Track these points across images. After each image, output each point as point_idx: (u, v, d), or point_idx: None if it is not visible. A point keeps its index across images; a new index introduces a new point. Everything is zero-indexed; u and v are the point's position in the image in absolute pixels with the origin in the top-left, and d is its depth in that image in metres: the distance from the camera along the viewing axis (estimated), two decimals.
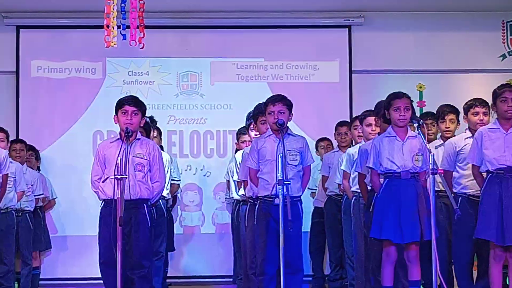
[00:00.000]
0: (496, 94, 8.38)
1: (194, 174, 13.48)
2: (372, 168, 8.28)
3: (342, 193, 10.54)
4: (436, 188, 8.06)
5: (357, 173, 8.93)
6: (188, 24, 13.68)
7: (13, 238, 10.58)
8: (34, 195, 11.69)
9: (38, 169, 12.46)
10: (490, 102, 8.61)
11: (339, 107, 13.39)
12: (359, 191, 9.07)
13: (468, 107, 9.09)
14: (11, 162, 10.43)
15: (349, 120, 11.65)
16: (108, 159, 8.21)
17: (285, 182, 7.59)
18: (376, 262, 8.44)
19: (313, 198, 12.07)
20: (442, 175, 8.10)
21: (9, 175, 10.06)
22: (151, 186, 8.40)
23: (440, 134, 9.74)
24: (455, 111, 9.54)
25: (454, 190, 8.85)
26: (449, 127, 9.52)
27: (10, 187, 10.38)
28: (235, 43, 13.73)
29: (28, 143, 12.13)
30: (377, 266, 8.40)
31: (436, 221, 7.68)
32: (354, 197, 9.46)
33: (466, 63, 13.67)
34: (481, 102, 8.98)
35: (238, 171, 10.02)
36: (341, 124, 11.52)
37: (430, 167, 7.70)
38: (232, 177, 10.77)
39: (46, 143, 13.23)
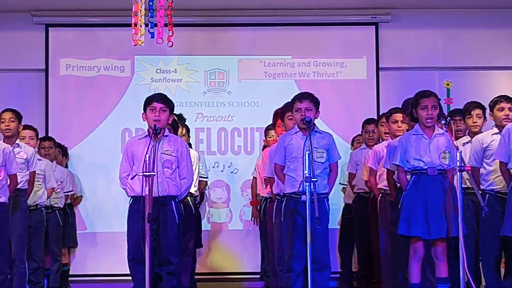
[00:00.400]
0: None
1: (221, 171, 13.49)
2: (399, 166, 8.27)
3: (369, 191, 10.53)
4: (463, 185, 8.03)
5: (384, 170, 8.91)
6: (216, 22, 13.71)
7: (42, 234, 10.60)
8: (64, 192, 11.73)
9: (66, 166, 12.50)
10: None
11: (366, 104, 13.36)
12: (386, 188, 9.04)
13: (493, 103, 9.08)
14: (40, 159, 10.46)
15: (376, 118, 11.63)
16: (137, 156, 8.22)
17: (312, 179, 7.57)
18: (403, 259, 8.42)
19: (344, 193, 12.04)
20: (470, 172, 8.09)
21: (38, 172, 10.10)
22: (179, 183, 8.40)
23: (467, 131, 9.70)
24: (481, 107, 9.51)
25: (481, 187, 8.83)
26: (476, 122, 9.49)
27: (40, 184, 10.41)
28: (262, 41, 13.73)
29: (57, 140, 12.17)
30: (404, 263, 8.38)
31: (463, 218, 7.65)
32: (380, 194, 9.44)
33: (493, 60, 13.63)
34: (506, 98, 8.97)
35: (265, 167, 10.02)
36: (368, 121, 11.46)
37: (458, 164, 7.67)
38: (259, 174, 10.76)
39: (75, 140, 13.27)
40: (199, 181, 11.36)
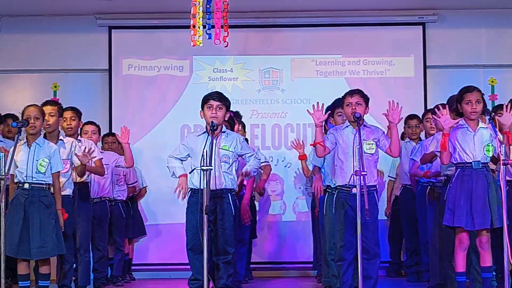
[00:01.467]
0: None
1: (275, 165, 13.47)
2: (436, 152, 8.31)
3: (418, 183, 10.50)
4: (508, 178, 8.00)
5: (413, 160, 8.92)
6: (269, 23, 13.70)
7: (106, 226, 10.68)
8: (128, 184, 11.80)
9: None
10: None
11: (414, 101, 13.30)
12: (434, 180, 9.00)
13: None
14: (102, 152, 10.53)
15: (422, 114, 11.60)
16: (195, 151, 8.26)
17: (362, 173, 7.57)
18: (449, 249, 8.39)
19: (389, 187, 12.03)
20: None
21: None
22: (235, 177, 8.44)
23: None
24: None
25: None
26: None
27: (107, 175, 10.47)
28: (314, 41, 13.71)
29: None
30: (450, 252, 8.35)
31: (507, 209, 7.62)
32: (429, 187, 9.40)
33: None
34: None
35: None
36: (411, 117, 11.46)
37: (502, 158, 7.63)
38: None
39: (137, 136, 13.30)
40: (265, 165, 11.37)
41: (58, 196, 8.22)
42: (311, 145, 9.15)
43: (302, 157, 11.00)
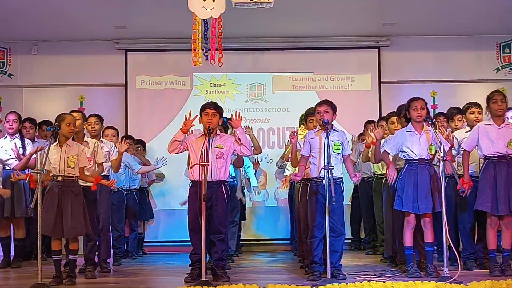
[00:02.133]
0: (488, 97, 8.40)
1: (260, 161, 13.50)
2: (386, 151, 8.43)
3: (372, 175, 10.56)
4: (448, 171, 8.07)
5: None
6: (255, 47, 13.77)
7: (123, 210, 10.69)
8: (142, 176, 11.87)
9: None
10: (484, 104, 8.59)
11: (371, 110, 13.36)
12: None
13: (466, 108, 9.14)
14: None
15: (377, 120, 11.65)
16: (195, 149, 8.27)
17: (330, 167, 7.62)
18: (399, 228, 8.44)
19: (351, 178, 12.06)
20: (450, 161, 8.13)
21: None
22: (228, 170, 8.47)
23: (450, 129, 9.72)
24: (460, 111, 9.49)
25: (459, 172, 8.82)
26: (457, 125, 9.48)
27: (122, 172, 10.50)
28: (290, 61, 13.76)
29: (135, 138, 12.32)
30: (400, 231, 8.40)
31: (446, 197, 7.68)
32: (385, 179, 9.46)
33: (469, 75, 13.66)
34: (476, 104, 9.01)
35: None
36: (368, 122, 11.57)
37: (441, 155, 7.72)
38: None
39: (148, 138, 13.36)
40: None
41: (85, 177, 8.26)
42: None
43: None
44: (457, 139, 9.01)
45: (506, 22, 13.03)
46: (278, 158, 12.64)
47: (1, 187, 9.69)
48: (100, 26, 12.88)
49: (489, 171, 8.13)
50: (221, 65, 9.60)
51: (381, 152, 8.59)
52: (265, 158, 13.58)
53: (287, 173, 10.22)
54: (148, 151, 13.22)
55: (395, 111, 9.12)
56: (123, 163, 10.46)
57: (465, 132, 8.91)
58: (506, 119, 8.67)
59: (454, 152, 8.97)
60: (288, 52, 13.82)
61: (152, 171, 11.88)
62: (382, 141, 9.42)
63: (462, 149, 8.63)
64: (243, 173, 11.46)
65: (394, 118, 9.17)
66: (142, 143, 12.70)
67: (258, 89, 13.75)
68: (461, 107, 9.43)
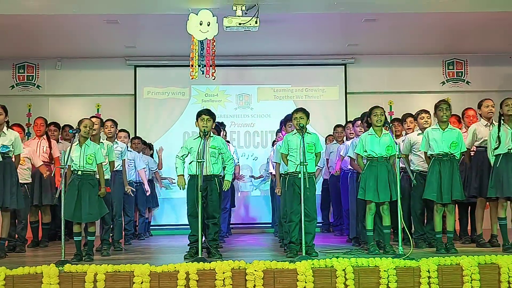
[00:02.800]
0: (435, 106, 8.42)
1: (247, 159, 13.54)
2: (359, 154, 8.35)
3: (340, 170, 10.56)
4: (402, 165, 8.10)
5: (350, 157, 8.97)
6: (242, 64, 13.76)
7: (133, 199, 10.62)
8: (152, 169, 11.83)
9: (152, 155, 12.61)
10: (433, 111, 8.62)
11: (339, 115, 13.38)
12: (353, 169, 9.07)
13: (417, 114, 9.15)
14: (130, 151, 10.55)
15: (343, 124, 11.66)
16: (193, 149, 8.26)
17: (305, 163, 7.62)
18: (362, 214, 8.45)
19: (322, 172, 12.05)
20: (404, 158, 8.18)
21: (129, 158, 10.21)
22: (220, 166, 8.46)
23: (404, 131, 9.74)
24: (412, 116, 9.51)
25: (412, 168, 8.85)
26: (409, 126, 9.52)
27: (132, 167, 10.50)
28: (272, 75, 13.74)
29: (143, 139, 12.29)
30: (362, 216, 8.41)
31: (401, 188, 7.71)
32: (350, 173, 9.47)
33: (419, 87, 13.71)
34: (425, 111, 9.03)
35: (274, 156, 10.06)
36: (337, 126, 11.60)
37: (397, 154, 7.75)
38: (272, 160, 10.78)
39: (154, 139, 13.32)
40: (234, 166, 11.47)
41: (102, 178, 8.25)
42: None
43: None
44: (410, 140, 9.07)
45: (449, 44, 13.11)
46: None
47: (31, 180, 9.67)
48: (113, 46, 12.86)
49: (435, 167, 8.13)
50: (214, 79, 9.61)
51: (352, 158, 8.62)
52: (251, 156, 13.64)
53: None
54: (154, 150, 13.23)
55: (359, 117, 9.14)
56: (133, 160, 10.50)
57: (417, 135, 8.95)
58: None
59: (406, 151, 9.02)
60: (270, 68, 13.80)
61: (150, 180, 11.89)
62: (349, 142, 9.48)
63: (420, 152, 8.68)
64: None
65: (359, 123, 9.17)
66: (150, 146, 12.69)
67: (245, 98, 13.75)
68: (414, 114, 9.46)
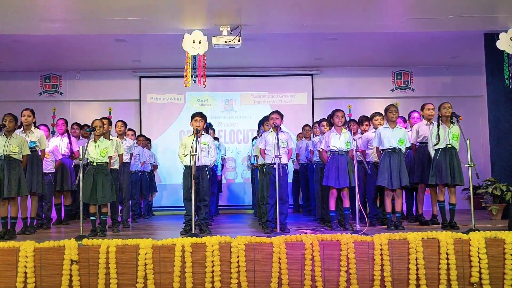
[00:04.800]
0: (386, 109, 8.43)
1: (231, 152, 13.51)
2: (323, 149, 8.34)
3: (308, 162, 10.54)
4: (358, 159, 8.09)
5: (318, 151, 8.96)
6: (227, 74, 13.70)
7: (138, 186, 10.57)
8: (150, 163, 11.76)
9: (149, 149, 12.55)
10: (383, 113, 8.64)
11: (307, 117, 13.38)
12: (319, 161, 9.03)
13: (372, 116, 9.14)
14: (136, 146, 10.49)
15: (311, 124, 11.65)
16: (187, 145, 8.21)
17: (279, 156, 7.60)
18: (326, 197, 8.45)
19: (293, 163, 12.05)
20: (360, 152, 8.18)
21: (135, 153, 10.17)
22: (210, 159, 8.42)
23: (360, 130, 9.75)
24: (368, 119, 9.51)
25: (367, 159, 8.86)
26: (365, 128, 9.51)
27: (137, 160, 10.44)
28: (252, 84, 13.71)
29: (146, 136, 12.21)
30: (326, 199, 8.41)
31: (357, 176, 7.70)
32: (315, 164, 9.46)
33: (372, 93, 13.73)
34: (379, 113, 9.00)
35: (253, 150, 10.05)
36: (306, 125, 11.47)
37: (354, 148, 7.75)
38: (252, 153, 10.76)
39: (155, 137, 13.28)
40: (222, 158, 11.58)
41: (109, 165, 8.27)
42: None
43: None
44: (366, 137, 9.08)
45: (398, 58, 13.18)
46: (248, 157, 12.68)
47: (54, 170, 9.63)
48: (122, 60, 12.81)
49: (386, 159, 8.14)
50: (204, 87, 9.55)
51: (320, 151, 8.59)
52: (235, 149, 13.62)
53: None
54: (155, 146, 13.15)
55: (325, 118, 9.12)
56: (137, 154, 10.45)
57: (372, 133, 8.96)
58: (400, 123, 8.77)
59: (363, 146, 9.04)
60: (250, 78, 13.76)
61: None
62: (316, 139, 9.46)
63: (373, 146, 8.66)
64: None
65: (324, 123, 9.13)
66: (149, 140, 12.59)
67: (230, 103, 13.70)
68: (369, 115, 9.46)
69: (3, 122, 8.00)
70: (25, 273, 6.30)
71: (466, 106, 13.09)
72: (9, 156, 7.89)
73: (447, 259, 6.44)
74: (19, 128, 8.64)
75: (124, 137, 9.69)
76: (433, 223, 8.66)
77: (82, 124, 11.15)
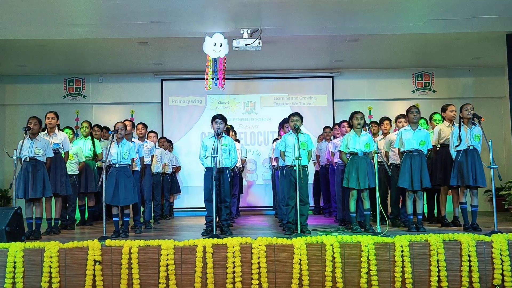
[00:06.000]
0: (407, 110, 8.38)
1: (252, 154, 13.50)
2: (342, 151, 8.34)
3: (328, 163, 10.51)
4: (379, 160, 8.05)
5: (338, 152, 8.93)
6: (248, 77, 13.70)
7: (160, 187, 10.63)
8: (172, 165, 11.81)
9: (171, 151, 12.61)
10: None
11: (327, 119, 13.34)
12: (339, 162, 9.01)
13: (396, 118, 9.12)
14: (158, 148, 10.54)
15: (331, 126, 11.62)
16: (208, 146, 8.23)
17: (299, 158, 7.59)
18: (347, 199, 8.42)
19: (314, 165, 12.03)
20: (382, 154, 8.15)
21: (157, 155, 10.21)
22: (230, 160, 8.42)
23: (380, 131, 9.71)
24: (389, 119, 9.48)
25: (389, 161, 8.84)
26: (385, 128, 9.50)
27: (158, 162, 10.48)
28: (272, 86, 13.69)
29: (168, 138, 12.27)
30: (347, 201, 8.38)
31: (378, 177, 7.66)
32: (336, 165, 9.42)
33: (393, 95, 13.66)
34: (403, 115, 8.99)
35: (274, 152, 10.07)
36: (326, 127, 11.48)
37: (375, 150, 7.70)
38: (272, 155, 10.76)
39: (177, 138, 13.34)
40: (242, 159, 11.62)
41: (134, 165, 8.33)
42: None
43: None
44: (389, 138, 9.07)
45: (418, 59, 13.10)
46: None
47: (78, 172, 9.73)
48: (144, 63, 12.87)
49: (407, 161, 8.09)
50: (223, 90, 9.58)
51: (340, 153, 8.57)
52: (255, 151, 13.60)
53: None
54: (176, 148, 13.21)
55: (346, 119, 9.10)
56: (159, 156, 10.48)
57: (395, 134, 8.93)
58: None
59: (386, 148, 9.03)
60: (271, 80, 13.74)
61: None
62: (336, 141, 9.44)
63: (395, 148, 8.68)
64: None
65: (345, 124, 9.15)
66: (171, 143, 12.66)
67: (251, 105, 13.70)
68: (389, 117, 9.43)
69: (28, 125, 8.11)
70: (50, 273, 6.37)
71: (488, 108, 12.97)
72: (34, 158, 8.00)
73: (469, 261, 6.37)
74: (43, 131, 8.75)
75: (145, 139, 9.75)
76: (455, 225, 8.60)
77: (102, 126, 11.24)
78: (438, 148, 8.80)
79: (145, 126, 9.77)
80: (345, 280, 6.36)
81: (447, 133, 8.63)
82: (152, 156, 9.80)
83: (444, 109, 8.86)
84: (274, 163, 10.36)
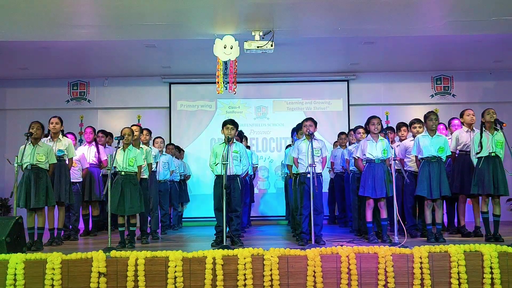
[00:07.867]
0: (425, 116, 8.35)
1: (264, 161, 13.50)
2: (359, 157, 8.29)
3: (344, 171, 10.50)
4: (396, 167, 8.02)
5: (354, 158, 8.90)
6: (260, 80, 13.71)
7: (167, 195, 10.64)
8: (180, 173, 11.82)
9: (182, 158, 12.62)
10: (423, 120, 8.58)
11: (342, 124, 13.32)
12: (355, 169, 9.00)
13: (410, 123, 9.08)
14: (165, 155, 10.55)
15: (346, 132, 11.59)
16: (218, 153, 8.23)
17: (313, 165, 7.57)
18: (363, 208, 8.39)
19: (329, 173, 12.01)
20: (398, 160, 8.10)
21: (163, 161, 10.24)
22: (241, 168, 8.42)
23: (398, 137, 9.68)
24: (406, 125, 9.46)
25: (405, 168, 8.80)
26: (403, 134, 9.47)
27: (166, 168, 10.48)
28: (285, 90, 13.70)
29: (176, 145, 12.29)
30: (363, 210, 8.35)
31: (395, 185, 7.62)
32: (352, 173, 9.41)
33: (411, 100, 13.61)
34: (418, 120, 8.96)
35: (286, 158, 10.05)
36: (341, 133, 11.50)
37: (392, 156, 7.66)
38: (285, 162, 10.75)
39: (186, 144, 13.36)
40: (253, 166, 11.62)
41: (139, 176, 8.27)
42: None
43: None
44: (405, 145, 9.04)
45: (437, 62, 13.05)
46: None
47: (81, 180, 9.74)
48: (151, 66, 12.91)
49: (425, 168, 8.07)
50: (235, 93, 9.57)
51: (355, 159, 8.55)
52: (267, 158, 13.60)
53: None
54: (185, 155, 13.23)
55: (361, 125, 9.09)
56: (167, 163, 10.48)
57: (410, 141, 8.93)
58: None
59: (402, 155, 9.00)
60: (283, 83, 13.75)
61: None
62: (352, 147, 9.42)
63: (412, 155, 8.67)
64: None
65: (361, 130, 9.15)
66: (180, 149, 12.71)
67: (263, 110, 13.70)
68: (406, 123, 9.40)
69: (30, 130, 8.12)
70: (52, 285, 6.35)
71: (510, 113, 12.89)
72: (36, 166, 8.01)
73: (491, 273, 6.32)
74: (46, 136, 8.77)
75: (150, 146, 9.72)
76: (476, 235, 8.55)
77: (107, 132, 11.28)
78: (456, 155, 8.76)
79: (149, 132, 9.75)
80: None
81: (465, 139, 8.59)
82: (157, 163, 9.80)
83: (461, 114, 8.84)
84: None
